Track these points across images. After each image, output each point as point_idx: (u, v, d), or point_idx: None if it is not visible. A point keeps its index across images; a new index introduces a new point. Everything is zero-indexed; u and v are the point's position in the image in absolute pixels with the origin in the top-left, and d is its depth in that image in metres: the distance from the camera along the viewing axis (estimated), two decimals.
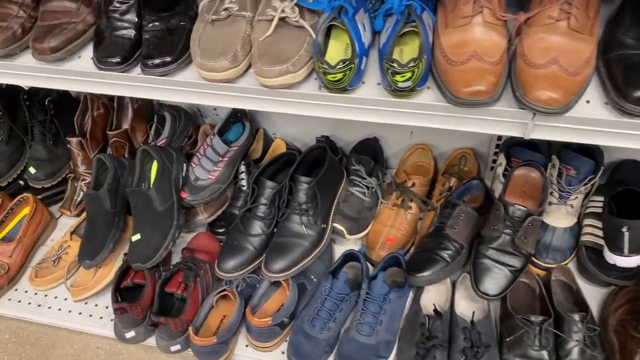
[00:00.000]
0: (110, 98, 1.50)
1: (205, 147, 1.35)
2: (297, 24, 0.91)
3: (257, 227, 1.21)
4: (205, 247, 1.30)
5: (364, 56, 0.87)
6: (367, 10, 0.92)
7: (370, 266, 1.24)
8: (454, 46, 0.84)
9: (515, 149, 1.26)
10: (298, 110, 0.92)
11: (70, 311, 1.28)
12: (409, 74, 0.81)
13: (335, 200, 1.25)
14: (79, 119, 1.46)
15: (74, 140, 1.42)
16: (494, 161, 1.43)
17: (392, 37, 0.84)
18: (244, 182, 1.41)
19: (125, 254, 1.29)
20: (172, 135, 1.39)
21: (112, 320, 1.25)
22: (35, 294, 1.32)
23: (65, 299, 1.30)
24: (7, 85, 1.46)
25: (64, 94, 1.50)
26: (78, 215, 1.44)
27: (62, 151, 1.48)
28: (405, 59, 0.81)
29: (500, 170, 1.25)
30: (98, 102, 1.46)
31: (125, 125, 1.46)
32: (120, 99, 1.47)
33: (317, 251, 1.18)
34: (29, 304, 1.30)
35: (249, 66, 0.93)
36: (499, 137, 1.36)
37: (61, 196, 1.51)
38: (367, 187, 1.31)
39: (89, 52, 1.02)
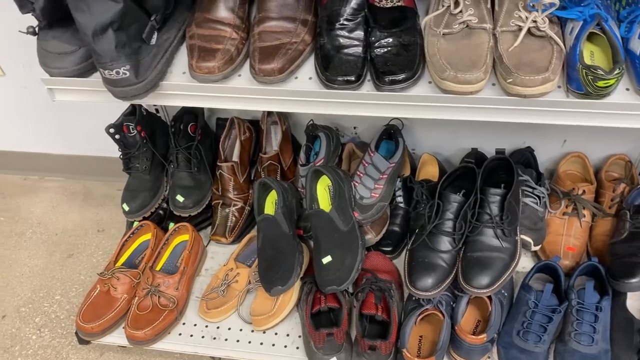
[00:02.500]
0: (252, 121, 1.48)
1: (365, 165, 1.33)
2: (540, 34, 0.91)
3: (446, 243, 1.19)
4: (380, 266, 1.28)
5: None
6: (613, 17, 0.93)
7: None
8: None
9: None
10: (546, 119, 0.92)
11: (250, 342, 1.23)
12: None
13: (519, 212, 1.24)
14: (224, 143, 1.43)
15: (225, 166, 1.38)
16: None
17: None
18: (400, 199, 1.39)
19: (301, 278, 1.25)
20: (328, 155, 1.36)
21: (297, 348, 1.21)
22: (206, 326, 1.27)
23: (241, 330, 1.25)
24: (147, 111, 1.42)
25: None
26: (232, 242, 1.40)
27: (204, 177, 1.44)
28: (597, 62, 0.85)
29: None
30: (244, 126, 1.43)
31: (274, 148, 1.43)
32: (268, 121, 1.44)
33: (514, 264, 1.16)
34: (203, 337, 1.25)
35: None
36: None
37: (205, 224, 1.46)
38: (539, 197, 1.30)
39: (304, 72, 1.00)
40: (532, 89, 0.87)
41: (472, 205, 1.19)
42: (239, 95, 0.99)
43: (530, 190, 1.30)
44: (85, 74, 1.03)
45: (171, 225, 1.39)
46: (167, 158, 1.45)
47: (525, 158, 1.41)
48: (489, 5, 0.96)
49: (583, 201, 1.29)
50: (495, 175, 1.28)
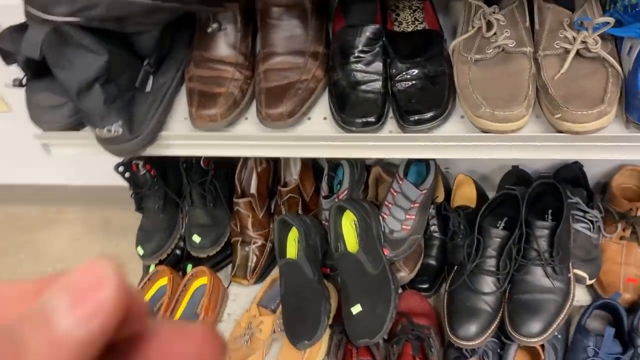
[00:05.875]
0: None
1: (394, 194, 1.20)
2: (591, 55, 0.77)
3: (490, 284, 1.07)
4: (416, 308, 1.16)
5: None
6: None
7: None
8: None
9: None
10: (602, 154, 0.78)
11: None
12: None
13: (571, 244, 1.11)
14: (239, 176, 1.33)
15: (242, 202, 1.28)
16: None
17: None
18: (435, 228, 1.27)
19: (331, 325, 1.15)
20: (352, 185, 1.25)
21: None
22: None
23: None
24: None
25: None
26: (255, 283, 1.30)
27: (221, 213, 1.34)
28: None
29: None
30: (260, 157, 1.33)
31: (294, 177, 1.32)
32: None
33: (568, 305, 1.03)
34: None
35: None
36: None
37: (223, 264, 1.37)
38: (592, 222, 1.16)
39: (317, 111, 0.89)
40: (585, 125, 0.73)
41: (517, 240, 1.06)
42: (246, 142, 0.88)
43: (582, 214, 1.16)
44: (80, 125, 0.93)
45: (189, 268, 1.31)
46: (182, 194, 1.36)
47: (574, 175, 1.26)
48: (527, 24, 0.82)
49: None
50: (542, 201, 1.14)
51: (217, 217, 1.33)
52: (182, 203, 1.35)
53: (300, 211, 1.30)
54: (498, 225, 1.16)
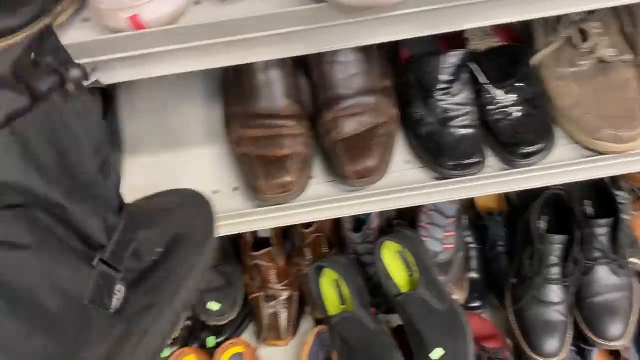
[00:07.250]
0: None
1: (429, 213, 1.12)
2: None
3: (559, 292, 1.02)
4: (483, 332, 1.09)
5: None
6: None
7: None
8: None
9: None
10: None
11: None
12: None
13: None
14: None
15: (262, 254, 1.11)
16: None
17: None
18: (470, 239, 1.20)
19: None
20: (381, 213, 1.14)
21: None
22: None
23: None
24: None
25: None
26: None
27: (231, 268, 1.16)
28: None
29: None
30: None
31: None
32: None
33: (637, 297, 1.02)
34: None
35: None
36: None
37: (245, 324, 1.20)
38: (623, 205, 1.16)
39: (397, 154, 0.76)
40: None
41: (579, 242, 1.02)
42: (323, 206, 0.74)
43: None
44: None
45: (211, 341, 1.12)
46: None
47: None
48: (619, 27, 0.76)
49: None
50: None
51: (228, 274, 1.15)
52: None
53: (327, 249, 1.16)
54: (539, 226, 1.12)
